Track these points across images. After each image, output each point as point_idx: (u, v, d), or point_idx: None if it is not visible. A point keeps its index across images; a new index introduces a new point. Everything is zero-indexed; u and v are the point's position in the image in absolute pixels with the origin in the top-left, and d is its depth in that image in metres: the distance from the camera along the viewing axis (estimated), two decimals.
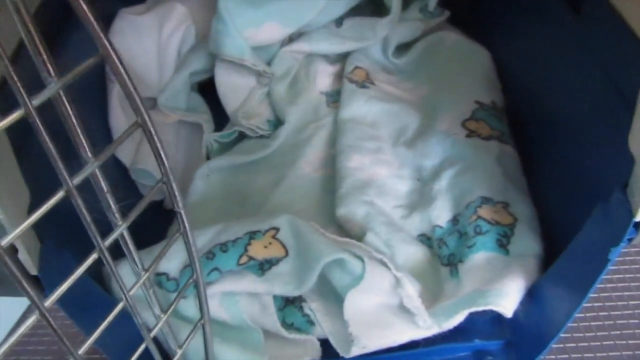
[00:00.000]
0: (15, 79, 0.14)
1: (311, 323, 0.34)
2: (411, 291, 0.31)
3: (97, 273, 0.32)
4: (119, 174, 0.46)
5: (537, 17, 0.39)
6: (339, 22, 0.52)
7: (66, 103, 0.16)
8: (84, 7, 0.16)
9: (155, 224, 0.41)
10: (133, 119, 0.43)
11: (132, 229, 0.23)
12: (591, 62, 0.30)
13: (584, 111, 0.31)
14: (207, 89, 0.52)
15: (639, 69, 0.21)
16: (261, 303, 0.34)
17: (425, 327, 0.30)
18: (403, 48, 0.52)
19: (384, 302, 0.32)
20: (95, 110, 0.46)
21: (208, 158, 0.47)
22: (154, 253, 0.35)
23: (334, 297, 0.34)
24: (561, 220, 0.31)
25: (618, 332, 0.36)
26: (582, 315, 0.37)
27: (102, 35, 0.15)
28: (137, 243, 0.22)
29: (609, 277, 0.39)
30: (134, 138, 0.45)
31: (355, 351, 0.30)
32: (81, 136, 0.17)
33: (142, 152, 0.44)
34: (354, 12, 0.52)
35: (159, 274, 0.34)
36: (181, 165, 0.49)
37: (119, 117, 0.45)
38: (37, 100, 0.15)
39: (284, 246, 0.34)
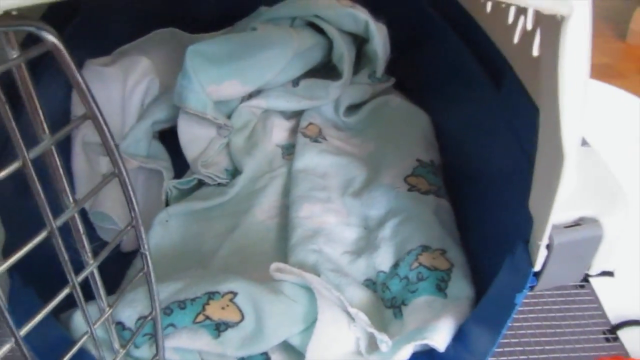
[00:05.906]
0: (18, 134, 0.17)
1: None
2: (367, 320, 0.34)
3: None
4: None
5: (468, 89, 0.44)
6: (295, 82, 0.57)
7: (56, 155, 0.19)
8: (76, 72, 0.19)
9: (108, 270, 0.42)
10: (95, 164, 0.47)
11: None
12: (507, 130, 0.35)
13: (501, 173, 0.36)
14: (168, 137, 0.54)
15: (536, 136, 0.26)
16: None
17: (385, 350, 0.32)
18: (353, 108, 0.57)
19: (341, 352, 0.34)
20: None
21: (167, 204, 0.49)
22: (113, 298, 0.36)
23: (294, 349, 0.35)
24: (484, 268, 0.35)
25: None
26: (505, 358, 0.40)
27: (89, 98, 0.18)
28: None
29: (528, 324, 0.43)
30: (94, 182, 0.47)
31: None
32: (65, 184, 0.20)
33: (102, 195, 0.45)
34: (309, 74, 0.57)
35: (114, 323, 0.34)
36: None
37: (81, 162, 0.47)
38: (33, 154, 0.18)
39: (240, 311, 0.35)
